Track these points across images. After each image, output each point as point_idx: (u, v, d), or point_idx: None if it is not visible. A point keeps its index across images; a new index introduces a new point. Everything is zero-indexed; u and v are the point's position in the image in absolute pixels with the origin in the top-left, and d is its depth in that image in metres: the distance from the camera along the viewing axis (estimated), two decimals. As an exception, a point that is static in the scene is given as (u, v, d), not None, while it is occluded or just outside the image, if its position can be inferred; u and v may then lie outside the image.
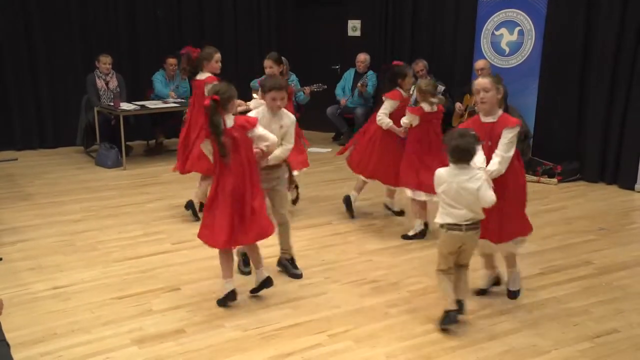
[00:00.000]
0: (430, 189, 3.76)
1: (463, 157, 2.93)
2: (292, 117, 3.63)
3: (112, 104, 6.75)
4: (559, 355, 2.89)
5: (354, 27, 8.63)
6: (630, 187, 5.78)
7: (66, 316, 3.26)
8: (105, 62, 6.98)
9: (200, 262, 4.00)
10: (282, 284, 3.67)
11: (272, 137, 3.36)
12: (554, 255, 4.15)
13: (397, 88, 4.53)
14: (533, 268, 3.93)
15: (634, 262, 4.04)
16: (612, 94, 5.90)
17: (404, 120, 4.38)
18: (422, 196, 4.32)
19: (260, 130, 3.29)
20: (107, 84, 7.04)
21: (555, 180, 6.04)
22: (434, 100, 4.33)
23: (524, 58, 6.59)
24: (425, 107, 4.30)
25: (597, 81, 5.98)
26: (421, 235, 4.46)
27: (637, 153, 5.71)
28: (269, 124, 3.49)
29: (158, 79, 7.36)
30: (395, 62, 4.74)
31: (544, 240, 4.45)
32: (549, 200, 5.49)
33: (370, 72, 7.86)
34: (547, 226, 4.72)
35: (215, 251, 4.17)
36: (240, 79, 8.43)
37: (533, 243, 4.38)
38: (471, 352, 2.90)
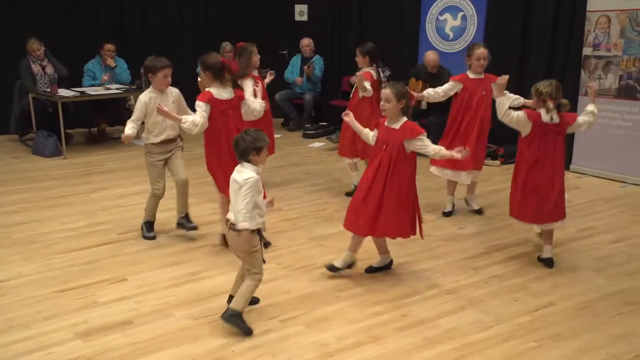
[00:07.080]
0: None
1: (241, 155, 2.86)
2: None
3: (49, 90, 6.44)
4: (500, 330, 3.02)
5: (300, 12, 8.57)
6: (566, 168, 6.04)
7: (3, 312, 3.12)
8: (34, 49, 6.58)
9: (147, 252, 3.92)
10: (233, 271, 3.64)
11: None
12: (497, 235, 4.31)
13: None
14: (478, 247, 4.08)
15: (567, 238, 4.26)
16: (549, 77, 6.12)
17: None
18: None
19: None
20: (43, 68, 6.70)
21: (498, 162, 6.25)
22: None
23: (468, 43, 6.73)
24: None
25: (536, 64, 6.20)
26: None
27: (572, 134, 5.97)
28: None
29: (90, 68, 7.03)
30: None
31: (489, 220, 4.61)
32: (492, 182, 5.68)
33: (317, 57, 7.85)
34: (492, 207, 4.89)
35: (162, 241, 4.11)
36: (186, 63, 8.28)
37: (477, 223, 4.55)
38: (419, 331, 2.98)
